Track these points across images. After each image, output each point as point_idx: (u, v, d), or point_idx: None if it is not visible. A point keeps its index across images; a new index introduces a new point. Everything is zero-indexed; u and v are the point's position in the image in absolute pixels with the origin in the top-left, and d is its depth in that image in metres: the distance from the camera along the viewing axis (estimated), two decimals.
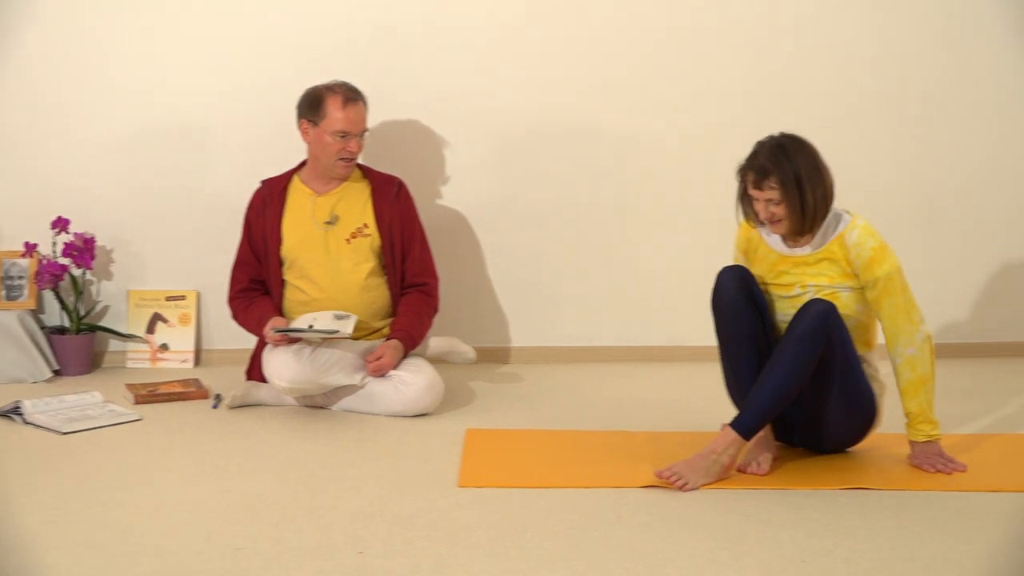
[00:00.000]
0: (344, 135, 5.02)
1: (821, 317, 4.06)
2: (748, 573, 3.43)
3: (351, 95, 5.05)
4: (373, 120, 5.34)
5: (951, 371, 5.70)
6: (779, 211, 4.19)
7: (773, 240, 4.35)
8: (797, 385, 4.09)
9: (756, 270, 4.39)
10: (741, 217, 4.37)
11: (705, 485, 4.09)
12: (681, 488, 4.04)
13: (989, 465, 4.34)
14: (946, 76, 5.87)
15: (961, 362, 5.86)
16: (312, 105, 5.06)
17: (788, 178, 4.14)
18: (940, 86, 5.88)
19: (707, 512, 3.87)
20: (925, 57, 5.85)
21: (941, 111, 5.89)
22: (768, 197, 4.18)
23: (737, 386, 4.30)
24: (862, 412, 4.28)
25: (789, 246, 4.31)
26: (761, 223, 4.30)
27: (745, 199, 4.30)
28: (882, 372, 4.37)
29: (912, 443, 4.30)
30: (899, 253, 4.26)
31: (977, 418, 4.96)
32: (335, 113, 5.01)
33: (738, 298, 4.25)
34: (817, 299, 4.12)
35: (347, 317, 4.90)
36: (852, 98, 5.85)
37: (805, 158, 4.18)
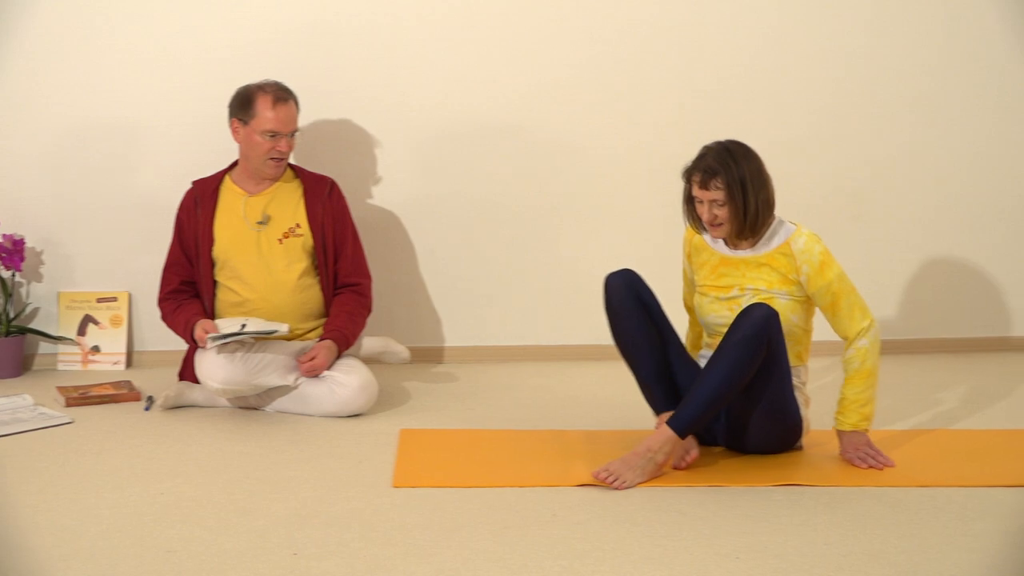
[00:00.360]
0: (274, 135, 5.00)
1: (764, 322, 4.08)
2: (682, 570, 3.45)
3: (281, 94, 5.03)
4: (305, 119, 5.33)
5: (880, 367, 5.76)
6: (722, 213, 4.22)
7: (717, 242, 4.38)
8: (735, 387, 4.11)
9: (700, 275, 4.43)
10: (687, 221, 4.42)
11: (640, 483, 4.10)
12: (617, 487, 4.06)
13: (919, 461, 4.39)
14: (871, 75, 5.92)
15: (890, 359, 5.91)
16: (243, 104, 5.03)
17: (734, 180, 4.18)
18: (866, 85, 5.92)
19: (642, 510, 3.89)
20: (850, 56, 5.89)
21: (868, 109, 5.94)
22: (713, 198, 4.21)
23: (643, 384, 4.40)
24: (787, 421, 4.32)
25: (731, 248, 4.35)
26: (703, 227, 4.33)
27: (689, 202, 4.34)
28: (808, 386, 4.41)
29: (840, 434, 4.34)
30: None
31: (906, 414, 5.00)
32: (265, 112, 4.99)
33: (626, 300, 4.34)
34: (760, 303, 4.13)
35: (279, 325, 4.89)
36: (782, 98, 5.88)
37: (750, 163, 4.23)
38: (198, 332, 4.88)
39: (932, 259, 6.06)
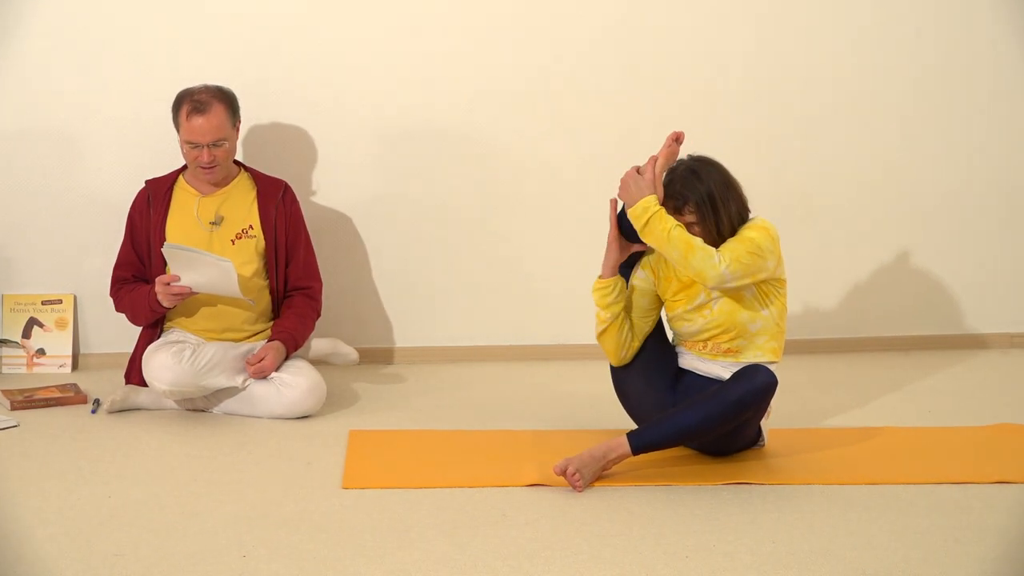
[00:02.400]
0: (193, 145, 4.95)
1: (763, 390, 4.17)
2: (631, 569, 3.46)
3: (198, 105, 4.91)
4: (252, 120, 5.30)
5: (828, 365, 5.80)
6: (697, 231, 4.29)
7: None
8: (708, 434, 4.19)
9: (670, 288, 4.44)
10: None
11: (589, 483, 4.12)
12: (577, 487, 4.06)
13: (866, 459, 4.42)
14: (818, 75, 5.94)
15: (837, 357, 5.95)
16: (174, 109, 4.97)
17: (703, 199, 4.27)
18: (813, 85, 5.94)
19: (591, 510, 3.90)
20: (797, 57, 5.91)
21: (816, 110, 5.96)
22: (687, 221, 4.29)
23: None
24: (745, 444, 4.42)
25: None
26: None
27: None
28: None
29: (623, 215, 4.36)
30: None
31: (853, 412, 5.03)
32: (184, 122, 4.93)
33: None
34: (765, 369, 4.19)
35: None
36: (725, 96, 5.88)
37: (716, 176, 4.32)
38: (158, 287, 4.84)
39: (880, 257, 6.08)
